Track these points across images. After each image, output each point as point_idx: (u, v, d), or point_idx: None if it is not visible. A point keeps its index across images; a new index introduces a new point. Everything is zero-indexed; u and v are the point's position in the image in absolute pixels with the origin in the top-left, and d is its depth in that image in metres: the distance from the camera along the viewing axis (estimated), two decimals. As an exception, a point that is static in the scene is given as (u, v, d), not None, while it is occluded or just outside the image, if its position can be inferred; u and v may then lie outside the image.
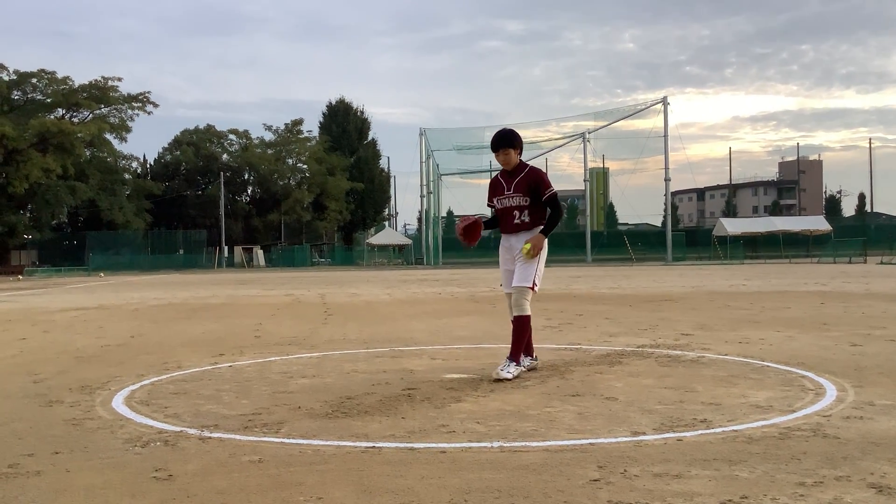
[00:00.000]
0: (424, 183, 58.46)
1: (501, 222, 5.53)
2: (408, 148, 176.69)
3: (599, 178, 76.15)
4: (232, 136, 71.93)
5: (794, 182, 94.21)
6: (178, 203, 68.05)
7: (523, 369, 5.39)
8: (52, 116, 55.63)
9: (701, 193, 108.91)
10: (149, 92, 60.67)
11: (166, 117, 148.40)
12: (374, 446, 3.50)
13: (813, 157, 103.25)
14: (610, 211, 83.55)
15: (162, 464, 3.29)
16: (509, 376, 5.17)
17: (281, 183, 69.99)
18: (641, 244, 57.91)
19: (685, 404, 4.32)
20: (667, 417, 3.98)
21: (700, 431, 3.67)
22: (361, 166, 71.53)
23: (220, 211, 64.12)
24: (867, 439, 3.48)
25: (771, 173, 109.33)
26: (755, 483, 2.87)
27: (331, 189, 67.67)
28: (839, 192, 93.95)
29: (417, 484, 2.94)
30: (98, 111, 58.93)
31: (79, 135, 54.02)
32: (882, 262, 33.22)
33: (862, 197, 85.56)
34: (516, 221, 5.42)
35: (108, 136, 60.32)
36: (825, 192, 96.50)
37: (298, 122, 71.99)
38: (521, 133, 5.64)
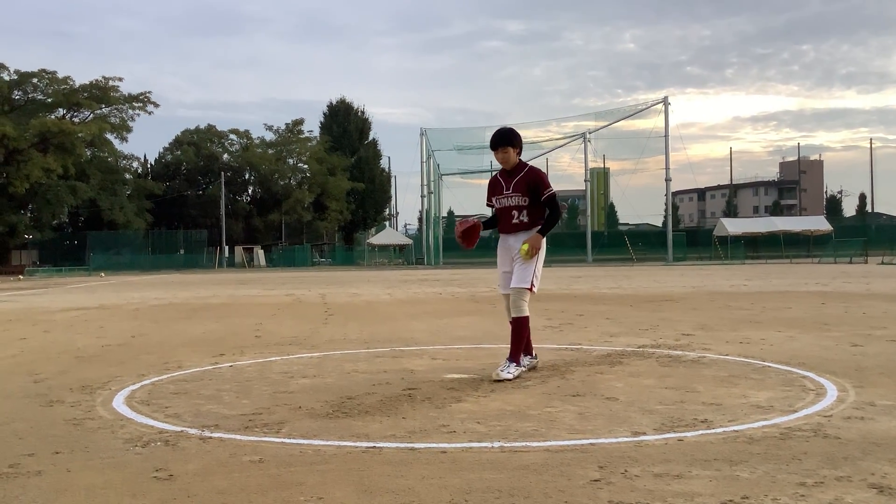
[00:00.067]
0: (425, 183, 58.49)
1: (500, 222, 5.52)
2: (408, 148, 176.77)
3: (600, 178, 76.17)
4: (233, 136, 72.00)
5: (794, 182, 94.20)
6: (179, 203, 68.08)
7: (523, 369, 5.39)
8: (52, 116, 55.66)
9: (702, 193, 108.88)
10: (149, 92, 60.81)
11: (167, 117, 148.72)
12: (374, 446, 3.50)
13: (814, 157, 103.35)
14: (611, 211, 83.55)
15: (162, 464, 3.29)
16: (510, 377, 5.17)
17: (282, 183, 70.01)
18: (642, 244, 57.92)
19: (686, 404, 4.32)
20: (667, 417, 3.97)
21: (701, 432, 3.67)
22: (362, 166, 71.55)
23: (220, 211, 64.14)
24: (868, 440, 3.47)
25: (772, 173, 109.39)
26: (756, 483, 2.87)
27: (331, 189, 67.69)
28: (840, 193, 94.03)
29: (418, 484, 2.94)
30: (99, 111, 58.96)
31: (79, 135, 54.05)
32: (883, 263, 33.20)
33: (863, 197, 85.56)
34: (515, 221, 5.41)
35: (109, 136, 60.37)
36: (826, 192, 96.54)
37: (299, 122, 72.06)
38: (522, 133, 5.63)
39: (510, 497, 2.77)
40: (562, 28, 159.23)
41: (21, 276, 43.23)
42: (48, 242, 63.00)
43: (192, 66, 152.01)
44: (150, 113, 60.70)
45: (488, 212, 5.73)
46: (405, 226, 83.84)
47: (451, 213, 74.88)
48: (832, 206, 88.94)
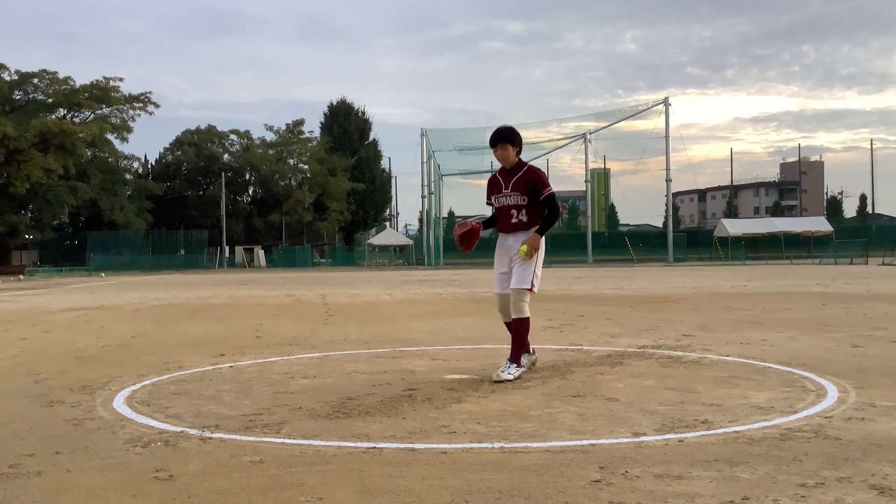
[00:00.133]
0: (425, 183, 58.52)
1: (499, 221, 5.50)
2: (409, 148, 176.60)
3: (601, 178, 76.20)
4: (233, 137, 72.03)
5: (795, 183, 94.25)
6: (180, 203, 68.10)
7: (524, 369, 5.39)
8: (53, 116, 55.68)
9: (702, 194, 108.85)
10: (150, 92, 60.85)
11: (167, 118, 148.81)
12: (374, 447, 3.50)
13: (814, 158, 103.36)
14: (611, 212, 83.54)
15: (163, 464, 3.29)
16: (510, 377, 5.17)
17: (282, 183, 70.03)
18: (642, 245, 57.92)
19: (686, 405, 4.32)
20: (668, 418, 3.97)
21: (701, 432, 3.67)
22: (362, 167, 71.57)
23: (221, 211, 64.15)
24: (868, 441, 3.47)
25: (772, 174, 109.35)
26: (756, 484, 2.87)
27: (332, 189, 67.70)
28: (840, 194, 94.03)
29: (418, 485, 2.94)
30: (99, 111, 58.98)
31: (80, 135, 54.07)
32: (883, 264, 33.20)
33: (863, 198, 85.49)
34: (514, 221, 5.39)
35: (110, 137, 60.41)
36: (826, 193, 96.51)
37: (300, 123, 72.09)
38: (523, 133, 5.60)
39: (510, 498, 2.77)
40: (562, 29, 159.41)
41: (21, 277, 43.25)
42: (48, 243, 63.03)
43: (192, 67, 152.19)
44: (150, 113, 60.82)
45: (488, 211, 5.72)
46: (405, 226, 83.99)
47: (451, 213, 74.88)
48: (833, 207, 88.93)
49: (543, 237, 5.39)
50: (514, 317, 5.36)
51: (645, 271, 32.79)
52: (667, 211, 56.36)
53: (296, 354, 6.90)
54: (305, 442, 3.62)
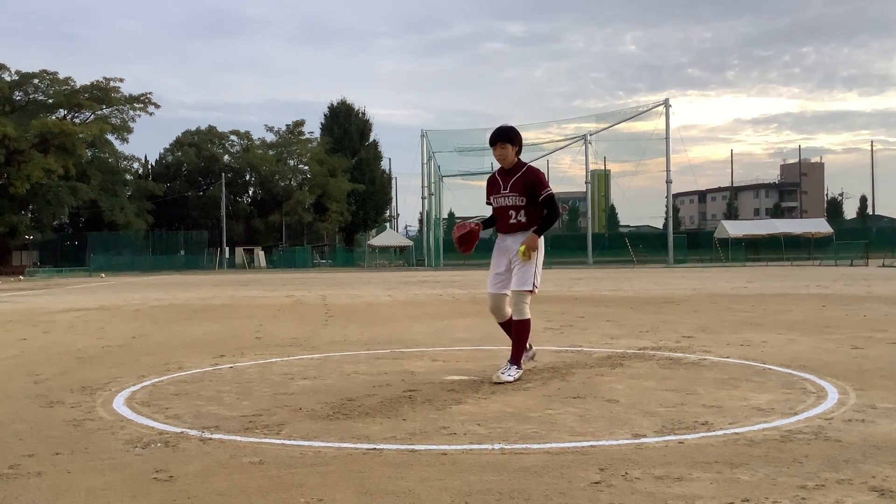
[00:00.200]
0: (426, 184, 58.55)
1: (498, 221, 5.48)
2: (409, 150, 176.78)
3: (601, 180, 76.22)
4: (233, 137, 72.05)
5: (795, 184, 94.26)
6: (180, 204, 68.12)
7: (530, 359, 5.36)
8: (53, 117, 55.75)
9: (702, 195, 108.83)
10: (150, 93, 60.94)
11: (168, 118, 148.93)
12: (374, 448, 3.50)
13: (815, 159, 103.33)
14: (611, 213, 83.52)
15: (163, 465, 3.28)
16: (510, 379, 5.17)
17: (282, 184, 70.06)
18: (643, 246, 57.91)
19: (686, 407, 4.31)
20: (668, 420, 3.97)
21: (701, 434, 3.67)
22: (363, 168, 71.59)
23: (221, 212, 64.17)
24: (869, 442, 3.47)
25: (772, 176, 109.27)
26: (756, 486, 2.87)
27: (332, 190, 67.72)
28: (841, 195, 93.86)
29: (418, 486, 2.93)
30: (100, 112, 59.03)
31: (80, 135, 54.13)
32: (884, 265, 33.19)
33: (864, 199, 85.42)
34: (512, 221, 5.37)
35: (110, 137, 60.48)
36: (827, 194, 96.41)
37: (300, 124, 72.12)
38: (523, 135, 5.58)
39: (510, 499, 2.77)
40: (563, 30, 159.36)
41: (21, 277, 43.26)
42: (49, 243, 63.06)
43: (193, 68, 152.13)
44: (150, 114, 60.90)
45: (488, 212, 5.71)
46: (406, 227, 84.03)
47: (451, 214, 74.88)
48: (833, 209, 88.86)
49: (542, 238, 5.38)
50: (514, 319, 5.36)
51: (645, 273, 32.79)
52: (667, 212, 56.37)
53: (296, 355, 6.90)
54: (305, 443, 3.62)
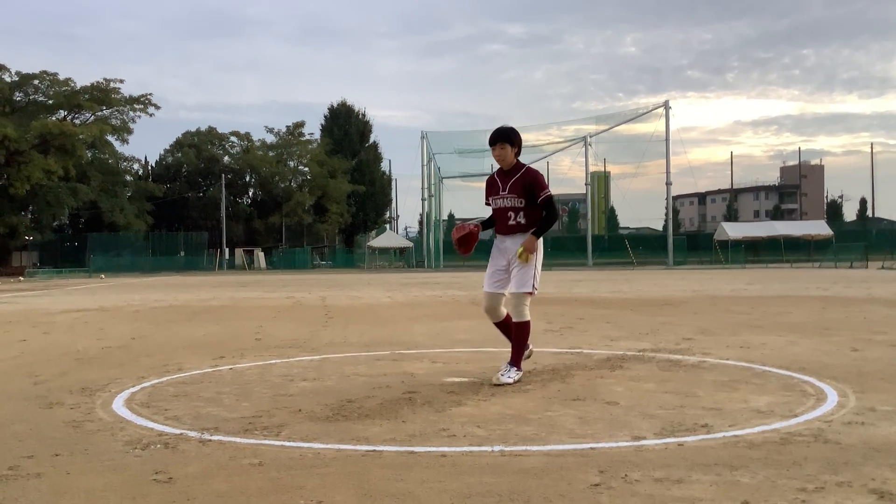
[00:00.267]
0: (426, 186, 58.56)
1: (497, 223, 5.46)
2: (409, 151, 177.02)
3: (601, 181, 76.19)
4: (233, 139, 72.06)
5: (795, 187, 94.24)
6: (180, 205, 68.12)
7: (527, 355, 5.36)
8: (53, 118, 55.72)
9: (702, 197, 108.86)
10: (150, 94, 60.91)
11: (168, 119, 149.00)
12: (374, 450, 3.50)
13: (814, 161, 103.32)
14: (611, 215, 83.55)
15: (162, 466, 3.28)
16: (510, 381, 5.16)
17: (282, 185, 70.07)
18: (643, 248, 57.93)
19: (686, 409, 4.31)
20: (668, 422, 3.97)
21: (701, 436, 3.67)
22: (363, 169, 71.59)
23: (221, 213, 64.18)
24: (868, 445, 3.47)
25: (772, 178, 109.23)
26: (756, 488, 2.86)
27: (332, 191, 67.73)
28: (841, 197, 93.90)
29: (418, 488, 2.93)
30: (100, 113, 59.00)
31: (80, 136, 54.10)
32: (883, 268, 33.20)
33: (863, 202, 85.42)
34: (511, 223, 5.36)
35: (110, 138, 60.43)
36: (827, 196, 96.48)
37: (300, 125, 72.10)
38: (523, 136, 5.57)
39: (510, 501, 2.77)
40: (563, 31, 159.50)
41: (21, 278, 43.25)
42: (48, 244, 63.03)
43: (193, 69, 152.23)
44: (150, 115, 60.88)
45: (489, 213, 5.70)
46: (406, 229, 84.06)
47: (451, 216, 74.90)
48: (833, 211, 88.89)
49: (541, 239, 5.37)
50: (514, 320, 5.35)
51: (645, 274, 32.79)
52: (667, 214, 56.38)
53: (295, 357, 6.90)
54: (305, 445, 3.62)
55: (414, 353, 7.05)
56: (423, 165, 58.62)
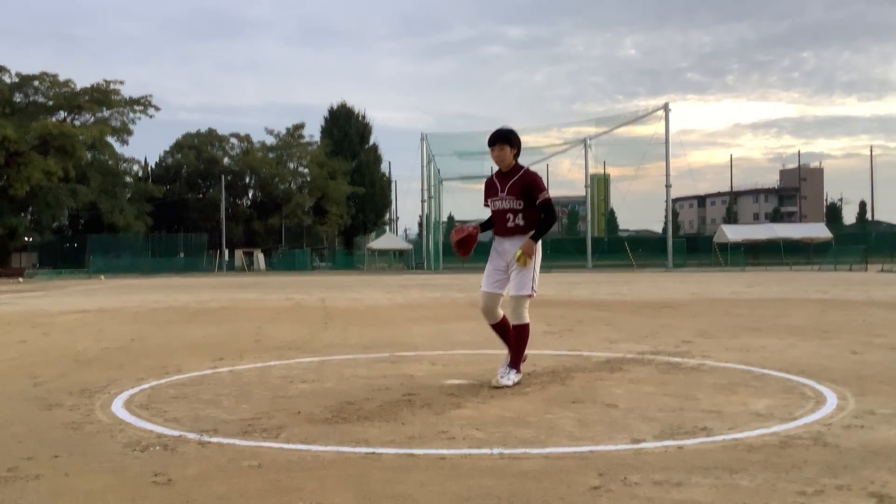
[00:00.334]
0: (425, 188, 58.54)
1: (496, 224, 5.46)
2: (409, 152, 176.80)
3: (600, 184, 76.24)
4: (233, 140, 72.02)
5: (795, 189, 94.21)
6: (179, 206, 68.11)
7: (524, 360, 5.36)
8: (53, 119, 55.74)
9: (702, 200, 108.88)
10: (150, 95, 61.08)
11: (168, 120, 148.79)
12: (373, 452, 3.50)
13: (814, 164, 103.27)
14: (611, 217, 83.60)
15: (161, 468, 3.28)
16: (509, 383, 5.16)
17: (282, 187, 70.06)
18: (642, 250, 57.88)
19: (686, 412, 4.31)
20: (667, 425, 3.97)
21: (701, 439, 3.67)
22: (362, 170, 71.59)
23: (220, 214, 64.17)
24: (868, 448, 3.47)
25: (772, 180, 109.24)
26: (756, 491, 2.86)
27: (332, 193, 67.73)
28: (840, 200, 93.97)
29: (417, 490, 2.93)
30: (100, 114, 58.99)
31: (80, 137, 54.10)
32: (883, 271, 33.21)
33: (863, 205, 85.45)
34: (510, 225, 5.36)
35: (110, 139, 60.39)
36: (826, 199, 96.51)
37: (300, 126, 72.09)
38: (522, 138, 5.57)
39: (509, 504, 2.76)
40: (563, 34, 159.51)
41: (21, 279, 43.22)
42: (48, 245, 63.01)
43: (193, 70, 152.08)
44: (151, 116, 60.85)
45: (488, 214, 5.70)
46: (405, 230, 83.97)
47: (451, 218, 74.88)
48: (832, 214, 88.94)
49: (539, 242, 5.37)
50: (513, 323, 5.35)
51: (644, 277, 32.79)
52: (666, 216, 56.37)
53: (295, 358, 6.90)
54: (304, 447, 3.62)
55: (413, 355, 7.05)
56: (422, 167, 58.60)
